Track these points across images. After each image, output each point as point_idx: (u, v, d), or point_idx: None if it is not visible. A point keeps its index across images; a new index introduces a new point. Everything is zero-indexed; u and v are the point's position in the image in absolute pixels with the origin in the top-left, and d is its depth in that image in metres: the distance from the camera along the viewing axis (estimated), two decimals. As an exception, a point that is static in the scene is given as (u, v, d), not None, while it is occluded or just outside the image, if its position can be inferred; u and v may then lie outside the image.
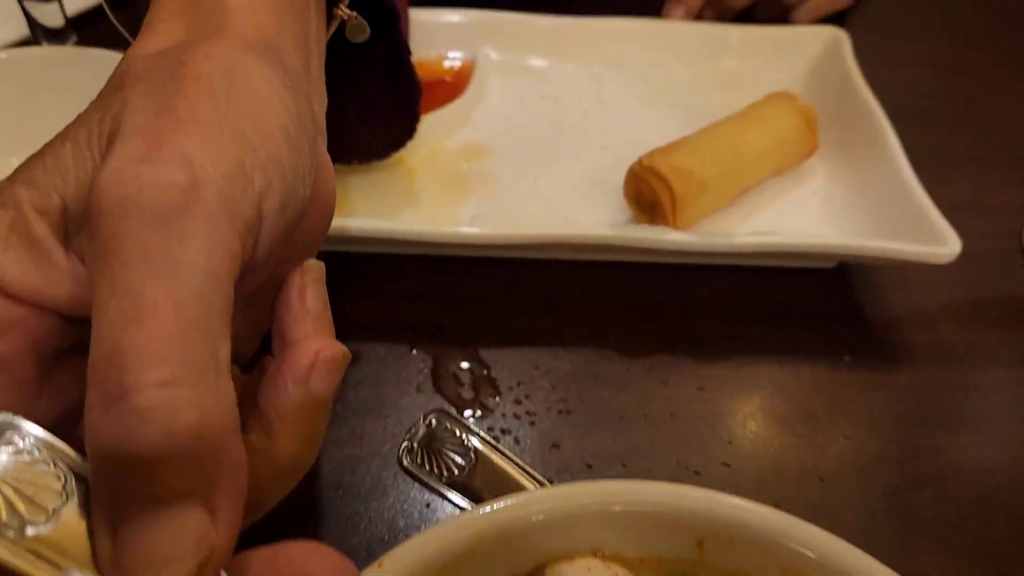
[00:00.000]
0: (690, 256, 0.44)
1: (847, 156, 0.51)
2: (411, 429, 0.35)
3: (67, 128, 0.23)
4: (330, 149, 0.41)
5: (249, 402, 0.23)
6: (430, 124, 0.51)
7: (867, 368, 0.43)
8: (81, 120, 0.23)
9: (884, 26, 0.68)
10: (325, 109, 0.31)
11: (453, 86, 0.55)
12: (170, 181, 0.20)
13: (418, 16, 0.56)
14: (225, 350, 0.20)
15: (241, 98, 0.22)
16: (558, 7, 0.63)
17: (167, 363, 0.18)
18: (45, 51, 0.45)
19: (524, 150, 0.51)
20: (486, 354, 0.42)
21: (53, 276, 0.21)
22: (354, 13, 0.35)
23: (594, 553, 0.27)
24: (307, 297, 0.25)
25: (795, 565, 0.26)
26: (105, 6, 0.35)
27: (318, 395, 0.23)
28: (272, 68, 0.24)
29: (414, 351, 0.42)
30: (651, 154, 0.45)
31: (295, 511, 0.32)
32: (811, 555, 0.26)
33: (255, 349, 0.28)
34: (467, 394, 0.40)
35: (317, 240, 0.28)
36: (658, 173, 0.44)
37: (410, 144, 0.49)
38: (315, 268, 0.26)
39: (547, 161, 0.51)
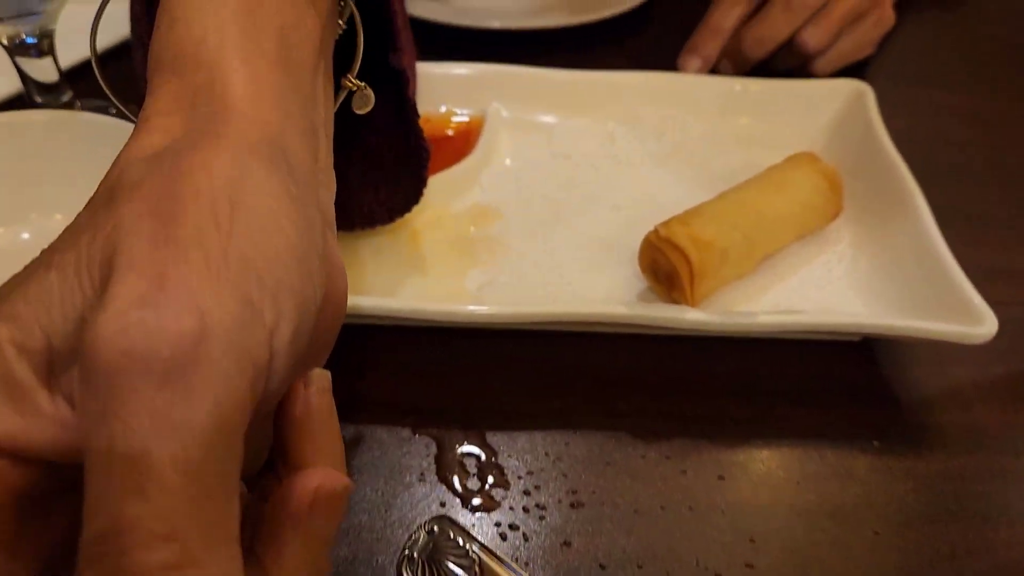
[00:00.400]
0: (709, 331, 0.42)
1: (873, 218, 0.49)
2: (411, 536, 0.32)
3: (52, 250, 0.21)
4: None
5: (251, 526, 0.22)
6: (437, 186, 0.49)
7: (897, 454, 0.40)
8: (68, 242, 0.21)
9: (907, 74, 0.65)
10: (334, 196, 0.29)
11: (461, 143, 0.53)
12: (177, 331, 0.18)
13: (425, 69, 0.54)
14: (234, 511, 0.18)
15: (247, 219, 0.20)
16: (570, 60, 0.62)
17: (174, 542, 0.16)
18: (30, 116, 0.44)
19: (534, 212, 0.49)
20: (493, 438, 0.40)
21: (36, 423, 0.19)
22: (362, 83, 0.33)
23: None
24: (312, 413, 0.23)
25: None
26: (96, 70, 0.33)
27: (319, 534, 0.22)
28: (277, 175, 0.22)
29: (416, 435, 0.40)
30: (668, 223, 0.43)
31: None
32: None
33: (262, 463, 0.26)
34: (473, 484, 0.38)
35: (328, 344, 0.26)
36: (675, 244, 0.42)
37: (417, 207, 0.47)
38: (320, 378, 0.24)
39: (557, 224, 0.49)
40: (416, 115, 0.38)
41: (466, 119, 0.54)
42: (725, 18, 0.59)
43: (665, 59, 0.61)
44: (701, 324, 0.40)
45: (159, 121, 0.23)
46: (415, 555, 0.31)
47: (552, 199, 0.50)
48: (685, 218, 0.44)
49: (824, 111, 0.54)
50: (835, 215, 0.48)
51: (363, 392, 0.41)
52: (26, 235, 0.43)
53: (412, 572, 0.31)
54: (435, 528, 0.32)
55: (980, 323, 0.40)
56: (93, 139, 0.43)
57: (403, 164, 0.41)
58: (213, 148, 0.21)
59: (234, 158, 0.21)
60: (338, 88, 0.32)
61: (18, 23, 0.46)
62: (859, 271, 0.47)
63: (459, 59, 0.54)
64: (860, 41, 0.60)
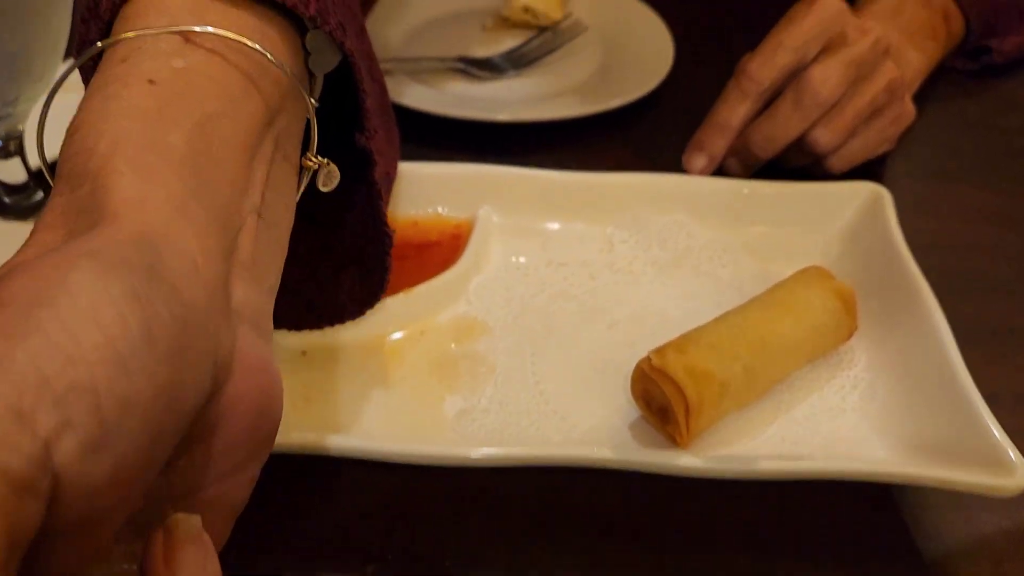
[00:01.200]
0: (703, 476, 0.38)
1: (891, 339, 0.45)
2: None
3: None
4: (299, 311, 0.40)
5: None
6: (421, 297, 0.46)
7: (919, 619, 0.36)
8: None
9: (929, 169, 0.62)
10: (272, 288, 0.28)
11: (449, 249, 0.50)
12: None
13: (412, 169, 0.51)
14: None
15: (46, 320, 0.19)
16: (571, 151, 0.59)
17: None
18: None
19: (523, 327, 0.46)
20: (464, 594, 0.36)
21: None
22: (324, 160, 0.32)
23: None
24: (175, 568, 0.21)
25: None
26: (45, 171, 0.30)
27: None
28: (118, 275, 0.21)
29: (378, 586, 0.36)
30: (662, 351, 0.40)
31: None
32: None
33: None
34: (438, 651, 0.34)
35: (252, 456, 0.25)
36: (670, 376, 0.38)
37: (398, 320, 0.45)
38: (185, 527, 0.22)
39: (547, 341, 0.45)
40: (379, 198, 0.37)
41: (455, 222, 0.51)
42: (732, 114, 0.56)
43: (671, 150, 0.58)
44: (694, 470, 0.36)
45: (40, 236, 0.23)
46: None
47: (543, 312, 0.47)
48: (681, 344, 0.40)
49: (838, 216, 0.51)
50: (849, 336, 0.44)
51: (316, 533, 0.38)
52: None
53: None
54: None
55: (1009, 474, 0.35)
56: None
57: (368, 251, 0.39)
58: (50, 257, 0.21)
59: (63, 263, 0.20)
60: (303, 168, 0.32)
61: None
62: (875, 401, 0.42)
63: (454, 149, 0.52)
64: (877, 138, 0.57)
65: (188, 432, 0.22)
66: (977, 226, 0.57)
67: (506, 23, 0.73)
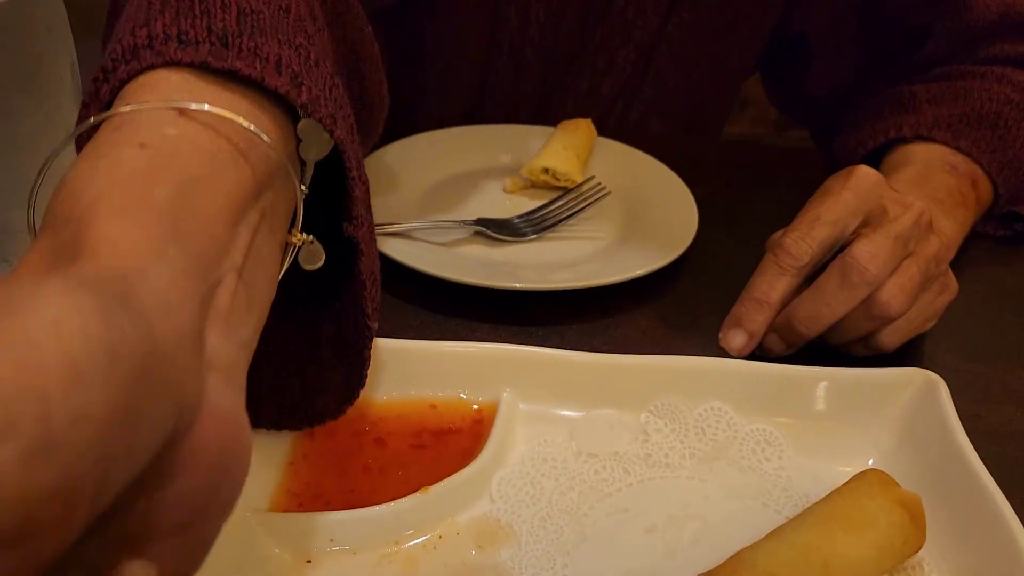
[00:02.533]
0: None
1: (962, 550, 0.40)
2: None
3: None
4: (279, 411, 0.43)
5: None
6: (438, 498, 0.42)
7: None
8: None
9: (970, 349, 0.58)
10: (250, 342, 0.29)
11: (470, 437, 0.46)
12: None
13: (431, 348, 0.48)
14: None
15: (8, 327, 0.19)
16: (589, 327, 0.56)
17: None
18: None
19: (551, 533, 0.41)
20: None
21: None
22: (308, 236, 0.34)
23: None
24: None
25: None
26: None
27: None
28: (87, 294, 0.21)
29: None
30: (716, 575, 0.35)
31: None
32: None
33: None
34: None
35: (205, 518, 0.24)
36: (726, 609, 0.34)
37: (413, 523, 0.40)
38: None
39: (579, 550, 0.41)
40: (364, 289, 0.37)
41: (477, 407, 0.47)
42: (771, 290, 0.53)
43: (701, 318, 0.56)
44: None
45: (21, 271, 0.24)
46: None
47: (574, 514, 0.42)
48: (735, 569, 0.35)
49: (890, 407, 0.47)
50: (916, 550, 0.40)
51: None
52: None
53: None
54: None
55: None
56: None
57: (351, 344, 0.40)
58: (25, 277, 0.22)
59: (33, 281, 0.21)
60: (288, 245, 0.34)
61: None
62: (954, 629, 0.38)
63: (474, 317, 0.50)
64: (927, 311, 0.54)
65: (148, 472, 0.22)
66: (1018, 415, 0.53)
67: (526, 184, 0.72)
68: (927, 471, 0.44)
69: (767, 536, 0.38)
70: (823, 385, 0.48)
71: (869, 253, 0.51)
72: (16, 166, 0.39)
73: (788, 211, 0.56)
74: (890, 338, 0.53)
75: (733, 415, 0.47)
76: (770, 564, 0.36)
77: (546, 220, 0.66)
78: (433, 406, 0.47)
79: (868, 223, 0.53)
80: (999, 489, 0.40)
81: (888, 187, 0.55)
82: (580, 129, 0.74)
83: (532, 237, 0.65)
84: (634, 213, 0.68)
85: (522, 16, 0.81)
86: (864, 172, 0.54)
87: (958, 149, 0.68)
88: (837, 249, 0.54)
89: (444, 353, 0.48)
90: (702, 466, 0.45)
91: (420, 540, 0.41)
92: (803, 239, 0.53)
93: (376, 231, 0.61)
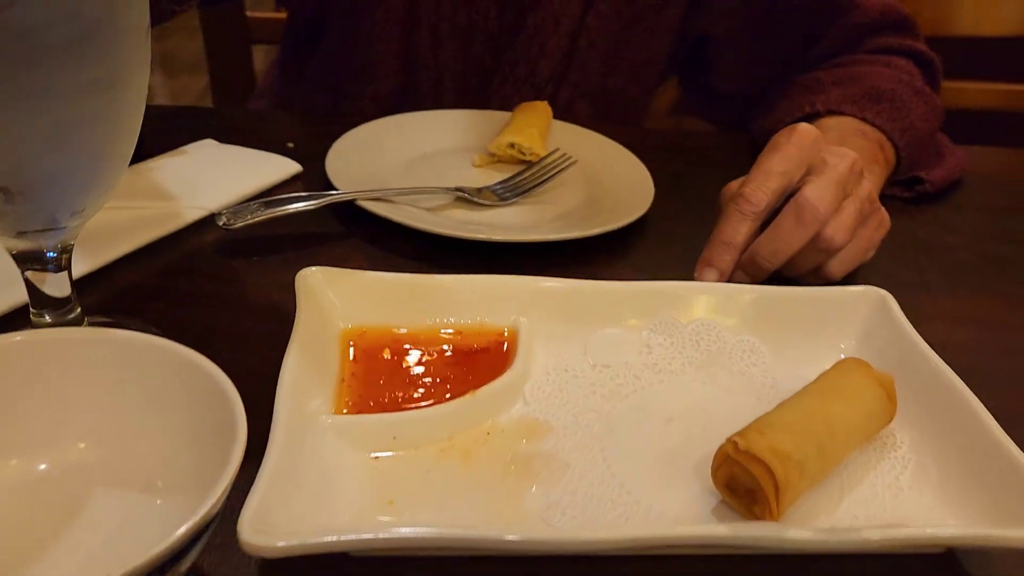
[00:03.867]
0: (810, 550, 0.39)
1: (927, 420, 0.48)
2: None
3: None
4: None
5: None
6: (481, 401, 0.46)
7: None
8: None
9: (895, 282, 0.67)
10: None
11: (495, 355, 0.51)
12: None
13: (453, 282, 0.53)
14: None
15: None
16: (574, 275, 0.62)
17: None
18: (63, 334, 0.40)
19: (584, 426, 0.47)
20: None
21: None
22: None
23: None
24: None
25: None
26: None
27: None
28: None
29: None
30: (745, 434, 0.41)
31: None
32: None
33: None
34: None
35: None
36: (758, 457, 0.40)
37: (463, 422, 0.45)
38: None
39: (612, 439, 0.46)
40: None
41: (498, 330, 0.52)
42: (736, 233, 0.60)
43: (668, 269, 0.62)
44: (804, 542, 0.37)
45: None
46: None
47: (600, 412, 0.48)
48: (760, 428, 0.42)
49: (851, 317, 0.55)
50: (890, 420, 0.47)
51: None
52: (43, 465, 0.38)
53: None
54: None
55: (1081, 530, 0.38)
56: (126, 360, 0.39)
57: None
58: None
59: None
60: None
61: (41, 237, 0.43)
62: (929, 477, 0.45)
63: (464, 270, 0.54)
64: (866, 244, 0.63)
65: None
66: (951, 326, 0.63)
67: (493, 158, 0.77)
68: (887, 365, 0.51)
69: (776, 407, 0.45)
70: (794, 302, 0.55)
71: (817, 195, 0.59)
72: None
73: (726, 180, 0.64)
74: (837, 268, 0.62)
75: (721, 329, 0.54)
76: (786, 423, 0.42)
77: (520, 187, 0.72)
78: (459, 332, 0.52)
79: (811, 172, 0.62)
80: (949, 368, 0.48)
81: (825, 142, 0.63)
82: (537, 109, 0.81)
83: (511, 201, 0.71)
84: (595, 182, 0.75)
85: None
86: (805, 129, 0.63)
87: (864, 120, 0.79)
88: (786, 197, 0.62)
89: (465, 285, 0.53)
90: (700, 371, 0.52)
91: (471, 435, 0.45)
92: (760, 188, 0.61)
93: (362, 197, 0.66)
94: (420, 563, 0.39)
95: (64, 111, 0.38)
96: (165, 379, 0.38)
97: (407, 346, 0.51)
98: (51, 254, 0.44)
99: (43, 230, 0.43)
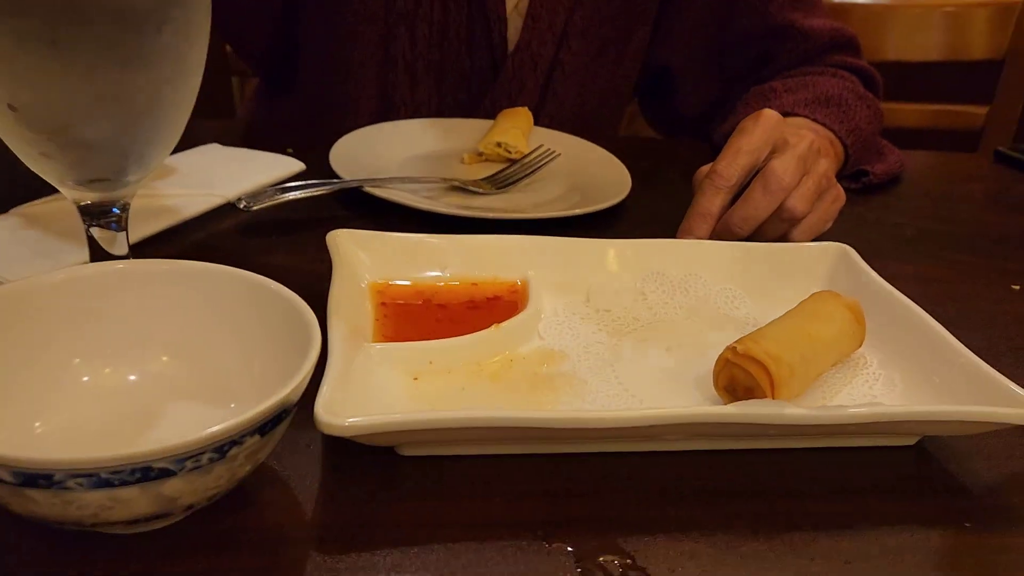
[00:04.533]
0: (800, 433, 0.45)
1: (891, 342, 0.54)
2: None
3: None
4: None
5: None
6: (501, 334, 0.52)
7: (991, 530, 0.43)
8: None
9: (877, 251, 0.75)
10: None
11: (509, 302, 0.56)
12: None
13: (467, 241, 0.58)
14: None
15: None
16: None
17: None
18: (151, 265, 0.45)
19: (595, 354, 0.53)
20: (628, 544, 0.40)
21: None
22: None
23: None
24: None
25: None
26: None
27: None
28: None
29: (550, 545, 0.40)
30: (743, 341, 0.47)
31: None
32: None
33: None
34: (623, 584, 0.38)
35: None
36: (755, 358, 0.46)
37: (489, 350, 0.50)
38: None
39: (621, 362, 0.52)
40: None
41: (510, 282, 0.58)
42: (712, 204, 0.67)
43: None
44: (800, 417, 0.43)
45: None
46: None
47: (608, 344, 0.54)
48: (754, 338, 0.48)
49: (818, 266, 0.62)
50: (860, 343, 0.54)
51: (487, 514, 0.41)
52: (133, 376, 0.43)
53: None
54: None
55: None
56: (208, 289, 0.44)
57: None
58: None
59: None
60: None
61: (109, 188, 0.48)
62: (896, 387, 0.51)
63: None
64: (825, 215, 0.70)
65: None
66: (902, 284, 0.70)
67: (480, 157, 0.84)
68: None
69: (765, 325, 0.51)
70: (768, 256, 0.62)
71: (782, 168, 0.67)
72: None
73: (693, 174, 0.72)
74: (800, 236, 0.69)
75: (706, 279, 0.61)
76: (775, 334, 0.49)
77: (509, 178, 0.79)
78: (475, 284, 0.58)
79: (776, 150, 0.69)
80: (906, 296, 0.56)
81: (787, 124, 0.71)
82: (520, 113, 0.88)
83: (499, 191, 0.77)
84: (577, 173, 0.82)
85: (411, 35, 0.95)
86: (769, 113, 0.71)
87: (815, 120, 0.87)
88: (754, 173, 0.69)
89: (479, 243, 0.59)
90: (691, 314, 0.58)
91: (497, 361, 0.51)
92: (731, 165, 0.68)
93: (370, 184, 0.71)
94: (459, 461, 0.44)
95: (147, 74, 0.44)
96: (243, 303, 0.43)
97: (429, 296, 0.56)
98: (115, 210, 0.49)
99: (109, 180, 0.47)
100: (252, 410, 0.34)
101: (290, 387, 0.36)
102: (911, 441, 0.49)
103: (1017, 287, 0.72)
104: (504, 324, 0.52)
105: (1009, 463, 0.49)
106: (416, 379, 0.48)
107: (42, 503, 0.32)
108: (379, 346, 0.49)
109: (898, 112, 1.37)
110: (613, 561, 0.39)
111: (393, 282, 0.57)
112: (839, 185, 0.73)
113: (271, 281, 0.43)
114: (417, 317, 0.54)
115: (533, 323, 0.54)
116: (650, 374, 0.51)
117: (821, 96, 0.90)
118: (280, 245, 0.68)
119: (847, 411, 0.44)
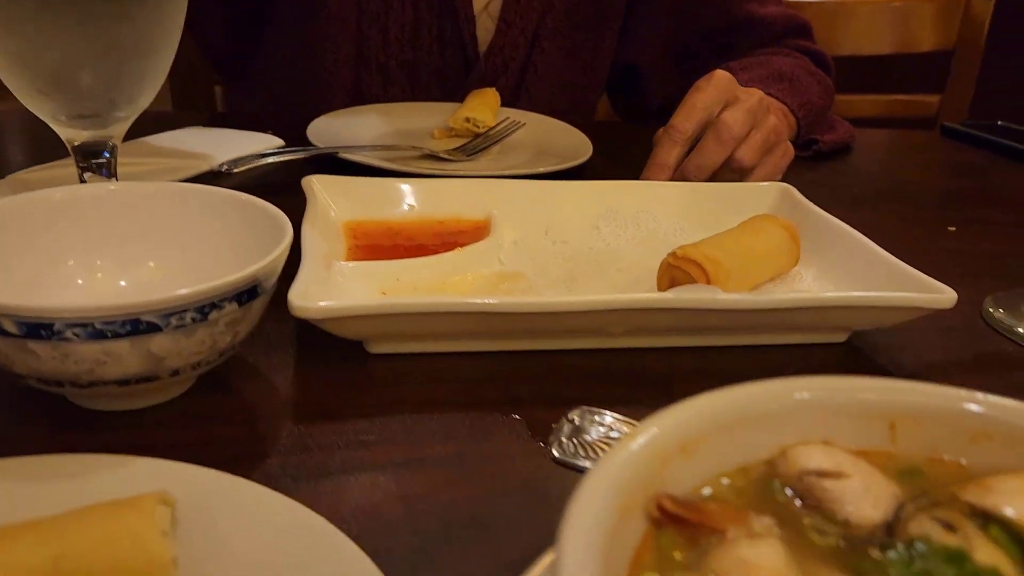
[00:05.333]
0: (737, 319, 0.49)
1: (824, 259, 0.59)
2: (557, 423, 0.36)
3: None
4: None
5: None
6: (464, 257, 0.56)
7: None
8: None
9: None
10: None
11: (473, 236, 0.61)
12: None
13: (433, 184, 0.63)
14: None
15: None
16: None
17: None
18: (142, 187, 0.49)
19: (552, 275, 0.57)
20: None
21: None
22: None
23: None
24: None
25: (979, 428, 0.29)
26: None
27: None
28: None
29: (505, 417, 0.44)
30: (682, 247, 0.52)
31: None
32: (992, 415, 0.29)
33: None
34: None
35: None
36: (692, 260, 0.51)
37: (454, 269, 0.54)
38: None
39: (576, 282, 0.56)
40: None
41: (475, 220, 0.62)
42: (669, 155, 0.72)
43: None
44: (734, 303, 0.47)
45: None
46: (563, 439, 0.35)
47: (564, 267, 0.58)
48: (695, 244, 0.52)
49: (763, 203, 0.66)
50: (796, 261, 0.58)
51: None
52: (123, 282, 0.47)
53: (564, 452, 0.34)
54: (576, 418, 0.36)
55: (943, 292, 0.49)
56: (190, 203, 0.48)
57: None
58: None
59: None
60: None
61: (100, 124, 0.52)
62: (828, 292, 0.56)
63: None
64: (773, 169, 0.75)
65: None
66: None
67: (450, 132, 0.89)
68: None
69: (709, 237, 0.55)
70: (714, 194, 0.67)
71: (732, 119, 0.72)
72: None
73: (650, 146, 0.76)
74: (755, 180, 0.74)
75: (656, 215, 0.65)
76: (715, 242, 0.53)
77: (478, 147, 0.84)
78: (441, 221, 0.62)
79: (727, 105, 0.74)
80: (840, 220, 0.60)
81: (738, 83, 0.76)
82: (487, 93, 0.93)
83: (469, 159, 0.82)
84: (542, 142, 0.87)
85: (383, 35, 1.00)
86: (720, 73, 0.76)
87: (769, 94, 0.92)
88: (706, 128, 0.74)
89: (444, 186, 0.63)
90: (642, 244, 0.63)
91: (460, 280, 0.55)
92: (686, 120, 0.73)
93: (344, 151, 0.76)
94: (423, 356, 0.48)
95: (132, 23, 0.48)
96: (221, 213, 0.47)
97: (398, 231, 0.60)
98: (106, 153, 0.53)
99: (100, 116, 0.52)
100: (230, 276, 0.38)
101: (264, 262, 0.40)
102: (842, 338, 0.53)
103: (953, 228, 0.77)
104: (467, 247, 0.56)
105: (930, 353, 0.53)
106: (384, 293, 0.53)
107: (43, 356, 0.36)
108: (351, 264, 0.53)
109: (856, 103, 1.44)
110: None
111: (364, 220, 0.61)
112: (788, 142, 0.78)
113: (244, 194, 0.47)
114: (387, 249, 0.58)
115: (494, 251, 0.59)
116: (602, 289, 0.56)
117: (775, 73, 0.95)
118: (261, 207, 0.73)
119: (777, 296, 0.48)
